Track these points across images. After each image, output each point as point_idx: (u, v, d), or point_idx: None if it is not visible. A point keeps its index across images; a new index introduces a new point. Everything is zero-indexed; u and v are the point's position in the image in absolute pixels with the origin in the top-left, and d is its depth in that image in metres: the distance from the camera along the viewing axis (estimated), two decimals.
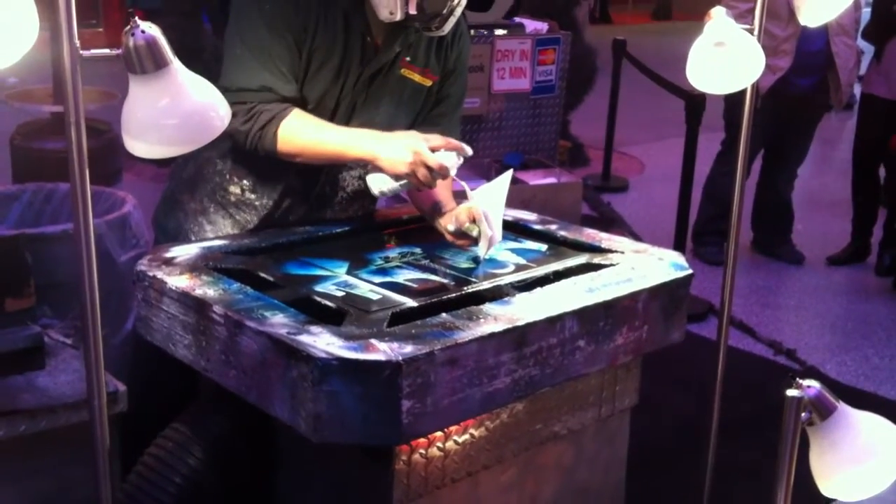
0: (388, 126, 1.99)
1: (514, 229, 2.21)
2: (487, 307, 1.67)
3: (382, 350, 1.47)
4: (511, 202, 3.26)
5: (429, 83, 2.09)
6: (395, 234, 2.16)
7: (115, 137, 3.78)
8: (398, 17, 1.91)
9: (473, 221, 1.97)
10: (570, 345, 1.69)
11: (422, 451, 1.63)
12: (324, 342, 1.49)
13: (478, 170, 3.76)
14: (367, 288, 1.79)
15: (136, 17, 1.42)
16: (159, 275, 1.78)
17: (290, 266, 1.90)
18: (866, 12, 4.80)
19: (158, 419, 1.93)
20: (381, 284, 1.81)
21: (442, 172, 1.84)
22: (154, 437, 1.87)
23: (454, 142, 1.88)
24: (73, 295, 2.03)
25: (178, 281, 1.75)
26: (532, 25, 4.31)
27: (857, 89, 5.14)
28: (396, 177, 1.89)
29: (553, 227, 2.22)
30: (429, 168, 1.83)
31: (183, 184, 2.16)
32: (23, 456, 1.73)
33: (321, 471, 1.79)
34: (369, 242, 2.08)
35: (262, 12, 1.91)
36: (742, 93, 2.12)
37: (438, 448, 1.66)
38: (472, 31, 4.06)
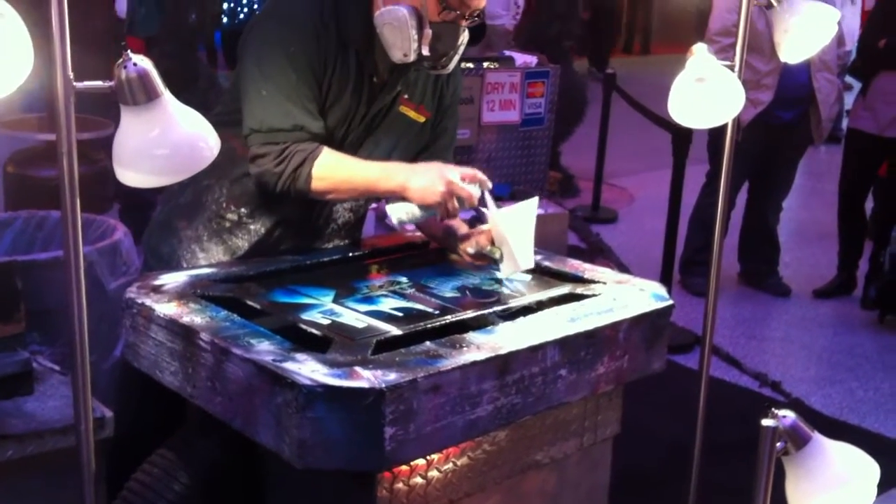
0: (380, 159, 2.04)
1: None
2: (471, 335, 1.69)
3: (366, 377, 1.50)
4: None
5: (423, 119, 2.14)
6: (382, 264, 2.19)
7: (107, 166, 3.81)
8: (412, 58, 1.94)
9: (493, 244, 2.01)
10: (552, 373, 1.72)
11: (404, 479, 1.65)
12: (308, 369, 1.52)
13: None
14: (352, 316, 1.82)
15: (129, 50, 1.46)
16: (147, 302, 1.81)
17: (277, 294, 1.93)
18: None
19: (145, 445, 1.95)
20: (367, 313, 1.84)
21: (469, 202, 1.90)
22: (141, 462, 1.89)
23: (480, 174, 1.94)
24: (62, 321, 2.05)
25: (166, 308, 1.78)
26: (522, 58, 4.38)
27: (845, 123, 5.22)
28: (422, 206, 1.93)
29: (537, 257, 2.25)
30: (458, 198, 1.88)
31: (179, 209, 2.19)
32: (11, 480, 1.75)
33: (306, 498, 1.80)
34: (356, 271, 2.12)
35: (288, 53, 1.94)
36: (725, 126, 2.17)
37: (421, 476, 1.68)
38: (462, 64, 4.13)
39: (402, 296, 1.96)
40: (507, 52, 4.52)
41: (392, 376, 1.50)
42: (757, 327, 4.45)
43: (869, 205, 4.94)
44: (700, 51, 2.10)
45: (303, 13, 1.98)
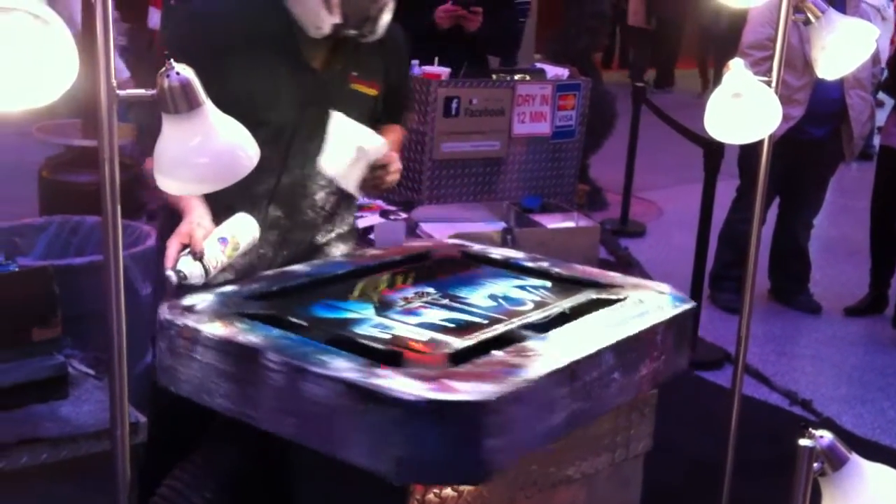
0: None
1: (509, 267, 2.25)
2: (532, 344, 1.71)
3: (464, 389, 1.50)
4: (529, 244, 3.30)
5: (375, 93, 2.21)
6: (400, 274, 2.18)
7: (141, 172, 3.85)
8: (326, 29, 1.99)
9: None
10: (608, 377, 1.75)
11: (436, 491, 1.65)
12: (400, 384, 1.51)
13: (496, 211, 3.80)
14: (406, 329, 1.81)
15: (172, 59, 1.48)
16: (190, 323, 1.76)
17: (316, 309, 1.91)
18: None
19: (176, 451, 1.96)
20: (420, 325, 1.83)
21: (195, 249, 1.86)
22: (169, 470, 1.89)
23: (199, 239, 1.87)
24: (96, 326, 2.06)
25: (214, 328, 1.73)
26: (553, 71, 4.37)
27: (877, 140, 5.17)
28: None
29: (544, 263, 2.26)
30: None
31: (165, 231, 2.17)
32: (44, 483, 1.77)
33: None
34: (377, 283, 2.11)
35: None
36: (757, 142, 2.16)
37: (453, 489, 1.67)
38: (494, 77, 4.14)
39: (441, 306, 1.95)
40: (539, 65, 4.51)
41: (487, 388, 1.51)
42: (787, 345, 4.41)
43: None
44: (737, 66, 2.10)
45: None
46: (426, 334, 1.78)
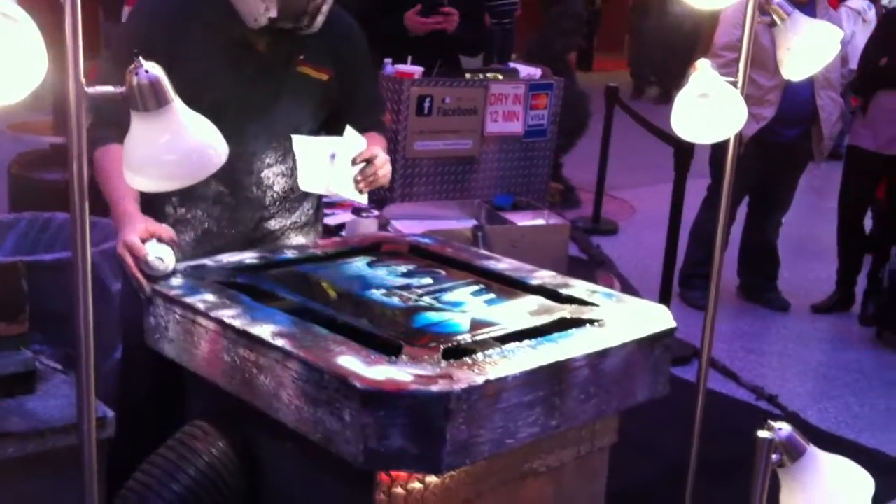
0: (291, 122, 2.18)
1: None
2: (510, 351, 1.71)
3: (441, 383, 1.54)
4: (499, 243, 3.33)
5: (325, 77, 2.25)
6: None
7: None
8: (263, 21, 2.07)
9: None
10: (584, 391, 1.75)
11: (402, 483, 1.67)
12: (375, 372, 1.54)
13: (468, 209, 3.82)
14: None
15: (140, 57, 1.48)
16: (197, 304, 1.82)
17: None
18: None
19: (144, 445, 1.96)
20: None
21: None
22: (137, 465, 1.90)
23: (168, 234, 1.97)
24: (64, 323, 2.06)
25: (222, 313, 1.78)
26: (526, 71, 4.40)
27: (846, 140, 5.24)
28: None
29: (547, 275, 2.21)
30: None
31: None
32: (11, 479, 1.76)
33: (305, 499, 1.82)
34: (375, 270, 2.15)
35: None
36: (727, 141, 2.19)
37: (419, 481, 1.69)
38: (468, 75, 4.16)
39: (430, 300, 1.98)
40: (512, 65, 4.54)
41: (461, 384, 1.54)
42: (755, 341, 4.46)
43: (868, 221, 4.96)
44: (703, 66, 2.13)
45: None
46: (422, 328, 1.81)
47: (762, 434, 1.50)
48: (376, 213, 3.58)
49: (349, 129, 2.18)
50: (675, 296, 4.43)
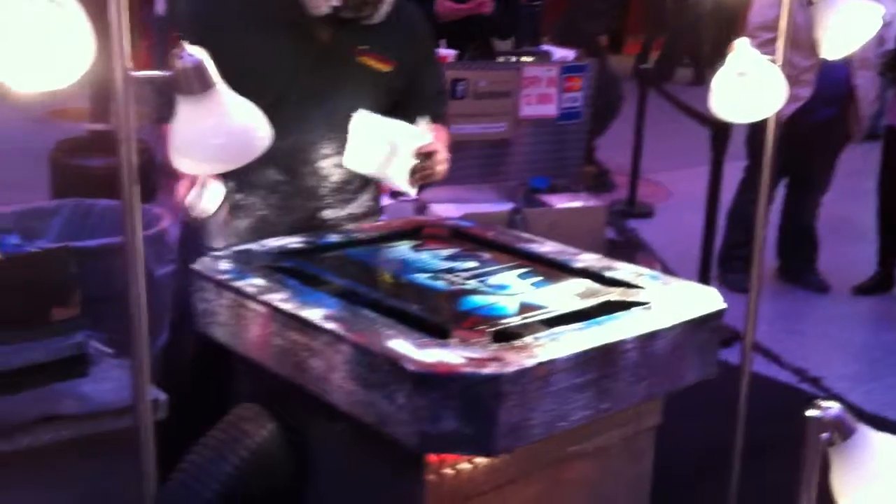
0: (351, 112, 2.13)
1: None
2: (558, 334, 1.70)
3: (490, 366, 1.54)
4: (537, 225, 3.32)
5: (388, 68, 2.22)
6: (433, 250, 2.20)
7: (153, 156, 3.88)
8: (325, 10, 2.06)
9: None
10: (633, 372, 1.75)
11: (451, 463, 1.68)
12: (425, 355, 1.55)
13: (504, 192, 3.82)
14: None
15: (183, 41, 1.50)
16: (247, 288, 1.84)
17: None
18: None
19: (190, 433, 1.99)
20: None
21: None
22: (185, 450, 1.93)
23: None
24: (109, 308, 2.09)
25: (272, 297, 1.80)
26: (559, 53, 4.38)
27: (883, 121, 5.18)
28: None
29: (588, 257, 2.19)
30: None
31: (188, 241, 2.29)
32: (67, 461, 1.80)
33: (354, 480, 1.83)
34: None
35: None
36: (764, 121, 2.16)
37: (468, 461, 1.70)
38: (501, 59, 4.14)
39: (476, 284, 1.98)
40: (545, 47, 4.52)
41: (511, 367, 1.54)
42: (796, 323, 4.43)
43: None
44: (742, 45, 2.11)
45: None
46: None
47: (811, 413, 1.48)
48: (414, 196, 3.58)
49: (420, 121, 2.15)
50: (713, 279, 4.41)
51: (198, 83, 1.46)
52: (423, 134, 2.13)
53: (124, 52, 1.44)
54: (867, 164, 6.73)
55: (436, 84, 2.42)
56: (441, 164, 2.17)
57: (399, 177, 2.13)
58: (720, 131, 4.11)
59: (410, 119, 2.17)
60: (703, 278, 4.08)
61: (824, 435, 1.48)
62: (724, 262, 4.74)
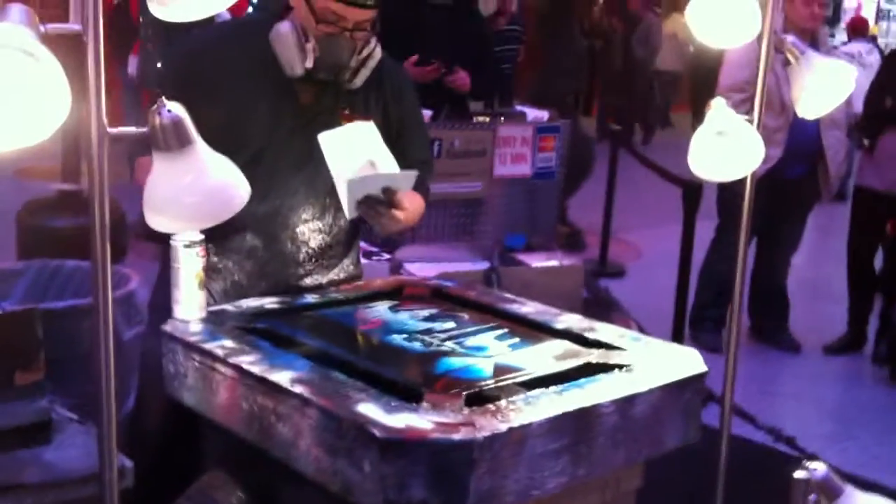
0: (331, 177, 2.07)
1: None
2: (535, 398, 1.67)
3: (463, 431, 1.50)
4: (513, 284, 3.30)
5: None
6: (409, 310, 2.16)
7: (124, 215, 3.83)
8: (299, 71, 2.04)
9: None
10: (611, 437, 1.71)
11: None
12: (392, 420, 1.51)
13: (480, 251, 3.80)
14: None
15: (163, 97, 1.47)
16: (215, 350, 1.79)
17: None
18: None
19: (155, 501, 1.92)
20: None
21: None
22: None
23: None
24: (75, 370, 2.04)
25: (241, 359, 1.75)
26: (533, 113, 4.42)
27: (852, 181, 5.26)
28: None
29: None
30: None
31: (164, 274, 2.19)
32: None
33: None
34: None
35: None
36: (736, 181, 2.18)
37: None
38: (477, 119, 4.17)
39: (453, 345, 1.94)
40: (519, 108, 4.57)
41: (483, 431, 1.50)
42: (769, 383, 4.42)
43: (878, 261, 4.94)
44: (719, 105, 2.13)
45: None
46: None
47: (798, 474, 1.46)
48: (388, 256, 3.56)
49: (407, 172, 2.07)
50: (686, 338, 4.40)
51: (175, 140, 1.44)
52: (405, 181, 2.05)
53: (101, 108, 1.41)
54: (834, 223, 6.83)
55: (420, 151, 2.33)
56: (391, 220, 2.05)
57: (350, 194, 2.01)
58: (692, 191, 4.14)
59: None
60: (677, 338, 4.07)
61: (811, 497, 1.46)
62: (694, 322, 4.74)
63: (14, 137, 1.26)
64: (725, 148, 2.10)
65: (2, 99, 1.23)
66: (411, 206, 2.13)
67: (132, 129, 1.46)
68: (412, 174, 2.05)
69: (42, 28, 1.32)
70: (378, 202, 2.01)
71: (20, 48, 1.22)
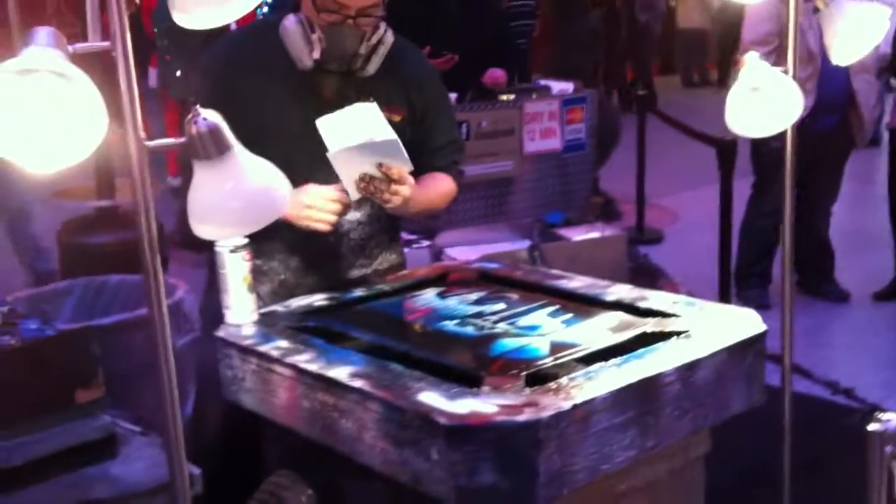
0: None
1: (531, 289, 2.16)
2: (594, 372, 1.65)
3: (527, 412, 1.49)
4: (556, 260, 3.28)
5: (397, 119, 2.14)
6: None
7: (162, 226, 3.86)
8: (308, 63, 2.04)
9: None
10: (675, 407, 1.69)
11: None
12: (458, 406, 1.50)
13: (519, 231, 3.79)
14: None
15: (197, 106, 1.47)
16: (271, 352, 1.80)
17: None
18: None
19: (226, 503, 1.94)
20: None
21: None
22: None
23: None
24: (130, 384, 2.05)
25: (297, 359, 1.76)
26: (558, 87, 4.38)
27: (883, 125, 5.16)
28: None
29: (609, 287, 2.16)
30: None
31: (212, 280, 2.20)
32: None
33: None
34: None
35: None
36: (769, 136, 2.14)
37: None
38: (502, 97, 4.14)
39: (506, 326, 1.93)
40: (543, 82, 4.53)
41: (547, 411, 1.49)
42: (821, 335, 4.36)
43: None
44: (752, 59, 2.09)
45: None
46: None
47: (872, 427, 1.44)
48: (427, 242, 3.56)
49: (387, 138, 1.98)
50: (732, 297, 4.36)
51: (214, 147, 1.43)
52: (404, 162, 1.99)
53: (137, 122, 1.41)
54: (871, 169, 6.73)
55: (447, 133, 2.31)
56: (394, 196, 1.99)
57: (343, 172, 1.97)
58: (726, 149, 4.09)
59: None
60: (724, 299, 4.04)
61: (888, 448, 1.44)
62: (739, 280, 4.69)
63: (57, 158, 1.27)
64: (763, 102, 2.06)
65: (41, 122, 1.23)
66: (433, 188, 2.17)
67: (170, 141, 1.46)
68: (392, 139, 1.96)
69: (70, 48, 1.32)
70: (374, 178, 1.97)
71: (53, 70, 1.22)
